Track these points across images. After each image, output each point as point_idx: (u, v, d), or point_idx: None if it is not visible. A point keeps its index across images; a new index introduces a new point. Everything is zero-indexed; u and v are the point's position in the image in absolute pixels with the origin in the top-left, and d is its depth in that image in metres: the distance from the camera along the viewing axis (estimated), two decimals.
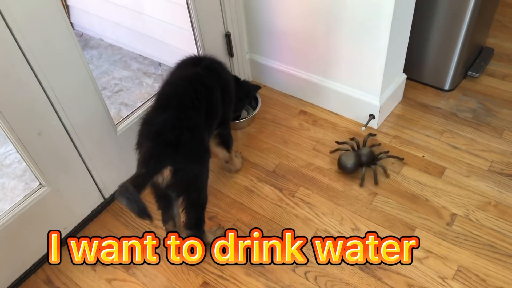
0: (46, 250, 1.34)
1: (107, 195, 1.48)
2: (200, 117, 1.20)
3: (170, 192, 1.18)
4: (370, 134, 1.60)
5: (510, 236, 1.29)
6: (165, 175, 1.09)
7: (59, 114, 1.21)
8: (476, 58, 1.86)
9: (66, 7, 2.26)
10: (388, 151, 1.53)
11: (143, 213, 0.99)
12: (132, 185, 1.01)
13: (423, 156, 1.54)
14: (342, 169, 1.49)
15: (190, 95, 1.20)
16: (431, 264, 1.25)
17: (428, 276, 1.22)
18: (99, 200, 1.46)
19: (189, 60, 1.36)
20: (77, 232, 1.41)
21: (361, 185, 1.46)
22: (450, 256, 1.26)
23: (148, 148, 1.11)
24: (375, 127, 1.65)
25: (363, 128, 1.65)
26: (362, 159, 1.48)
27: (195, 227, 1.27)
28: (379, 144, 1.57)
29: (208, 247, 1.33)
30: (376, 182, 1.45)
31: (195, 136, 1.15)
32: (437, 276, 1.22)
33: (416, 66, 1.77)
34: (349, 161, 1.47)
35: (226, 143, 1.46)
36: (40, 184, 1.27)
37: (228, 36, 1.70)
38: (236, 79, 1.54)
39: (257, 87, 1.71)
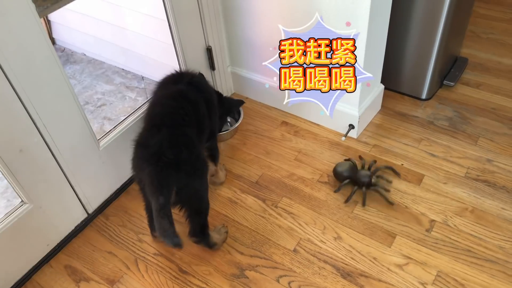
0: (29, 267, 1.34)
1: (90, 211, 1.48)
2: (193, 132, 1.22)
3: (172, 207, 1.19)
4: (388, 167, 1.55)
5: (487, 240, 1.33)
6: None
7: (40, 131, 1.21)
8: (451, 68, 1.92)
9: (48, 22, 2.26)
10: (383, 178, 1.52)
11: (177, 245, 1.11)
12: (167, 220, 1.08)
13: (402, 164, 1.58)
14: (336, 175, 1.52)
15: (180, 112, 1.22)
16: (411, 270, 1.28)
17: (409, 282, 1.25)
18: (82, 216, 1.46)
19: (170, 77, 1.38)
20: (60, 249, 1.41)
21: (347, 201, 1.47)
22: (429, 261, 1.29)
23: (153, 175, 1.11)
24: (355, 136, 1.69)
25: (343, 138, 1.68)
26: (360, 179, 1.47)
27: (200, 233, 1.29)
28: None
29: (215, 248, 1.35)
30: (364, 204, 1.45)
31: (192, 151, 1.18)
32: (417, 282, 1.25)
33: (394, 76, 1.81)
34: (343, 167, 1.50)
35: (214, 156, 1.49)
36: (22, 201, 1.26)
37: (209, 50, 1.73)
38: (219, 95, 1.56)
39: (240, 102, 1.72)
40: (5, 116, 1.12)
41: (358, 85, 1.53)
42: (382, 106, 1.81)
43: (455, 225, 1.38)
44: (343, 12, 1.40)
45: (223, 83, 1.89)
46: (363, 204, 1.45)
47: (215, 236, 1.34)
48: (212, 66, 1.78)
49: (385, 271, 1.28)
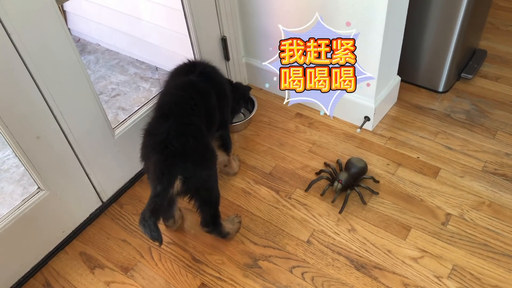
0: (44, 253, 1.35)
1: (105, 199, 1.49)
2: (202, 122, 1.22)
3: (180, 196, 1.19)
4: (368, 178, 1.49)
5: (504, 235, 1.31)
6: (176, 185, 1.10)
7: (57, 118, 1.22)
8: (469, 60, 1.88)
9: (64, 13, 2.27)
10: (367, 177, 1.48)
11: (154, 238, 1.05)
12: (150, 209, 1.04)
13: (418, 157, 1.56)
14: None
15: (189, 102, 1.21)
16: (426, 263, 1.26)
17: (424, 275, 1.24)
18: (97, 204, 1.47)
19: (182, 67, 1.38)
20: (75, 236, 1.42)
21: (341, 212, 1.41)
22: (445, 255, 1.28)
23: (157, 163, 1.11)
24: (370, 129, 1.67)
25: (358, 130, 1.66)
26: (347, 183, 1.42)
27: (212, 223, 1.29)
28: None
29: (228, 238, 1.35)
30: (364, 202, 1.42)
31: (200, 141, 1.17)
32: (432, 275, 1.24)
33: (410, 68, 1.79)
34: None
35: (226, 145, 1.48)
36: (39, 187, 1.28)
37: (224, 40, 1.72)
38: (229, 82, 1.56)
39: (248, 88, 1.71)
40: (23, 103, 1.13)
41: (375, 76, 1.53)
42: (399, 98, 1.78)
43: (471, 219, 1.36)
44: (359, 2, 1.38)
45: (237, 74, 1.88)
46: (363, 203, 1.42)
47: (228, 226, 1.34)
48: (226, 57, 1.78)
49: (399, 263, 1.27)
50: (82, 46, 2.34)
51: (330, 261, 1.29)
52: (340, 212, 1.40)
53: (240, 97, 1.61)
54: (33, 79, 1.13)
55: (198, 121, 1.19)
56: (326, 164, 1.56)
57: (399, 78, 1.72)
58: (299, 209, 1.44)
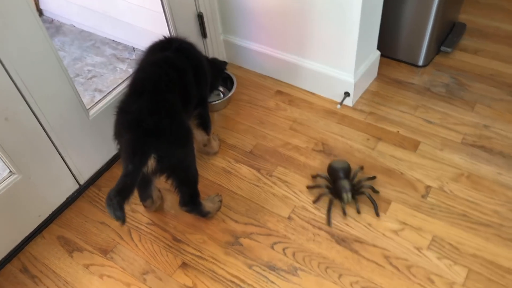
0: (21, 238, 1.32)
1: (82, 182, 1.46)
2: (176, 99, 1.19)
3: (156, 176, 1.16)
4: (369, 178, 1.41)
5: (482, 205, 1.32)
6: (150, 164, 1.07)
7: (26, 99, 1.18)
8: (449, 34, 1.88)
9: None
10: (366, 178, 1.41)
11: (117, 218, 1.00)
12: (117, 188, 1.00)
13: (398, 131, 1.56)
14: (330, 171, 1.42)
15: (163, 78, 1.18)
16: (406, 235, 1.27)
17: (404, 247, 1.25)
18: (74, 187, 1.44)
19: (158, 44, 1.34)
20: (53, 220, 1.39)
21: (329, 224, 1.32)
22: (425, 227, 1.29)
23: (129, 142, 1.08)
24: (351, 104, 1.66)
25: (338, 106, 1.65)
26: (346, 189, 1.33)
27: (191, 203, 1.27)
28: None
29: (208, 217, 1.34)
30: (358, 212, 1.33)
31: (174, 119, 1.14)
32: (412, 246, 1.24)
33: (390, 42, 1.77)
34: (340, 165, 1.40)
35: (205, 124, 1.45)
36: (10, 171, 1.24)
37: (200, 17, 1.68)
38: (205, 58, 1.53)
39: (224, 63, 1.64)
40: None
41: (354, 51, 1.51)
42: (378, 73, 1.77)
43: (451, 191, 1.37)
44: None
45: (216, 51, 1.85)
46: (358, 212, 1.33)
47: (208, 205, 1.33)
48: (203, 34, 1.74)
49: (380, 236, 1.27)
50: (55, 27, 2.26)
51: (311, 236, 1.29)
52: (344, 214, 1.32)
53: (217, 72, 1.57)
54: None
55: (172, 98, 1.16)
56: (317, 176, 1.44)
57: (378, 53, 1.71)
58: (280, 186, 1.43)
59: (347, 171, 1.39)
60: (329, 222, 1.31)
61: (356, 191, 1.36)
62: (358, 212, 1.33)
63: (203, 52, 1.48)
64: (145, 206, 1.38)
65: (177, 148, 1.14)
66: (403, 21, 1.70)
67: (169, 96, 1.16)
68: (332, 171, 1.40)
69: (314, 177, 1.44)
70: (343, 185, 1.34)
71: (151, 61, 1.27)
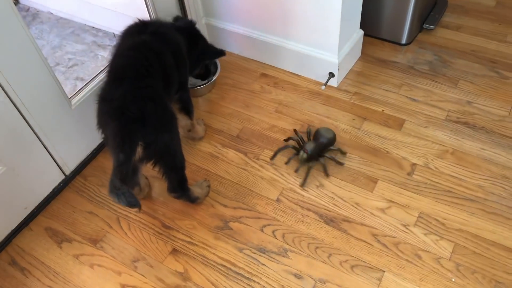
0: (8, 231, 1.31)
1: (67, 172, 1.44)
2: (158, 84, 1.17)
3: (143, 163, 1.15)
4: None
5: (467, 180, 1.34)
6: (137, 151, 1.06)
7: (5, 89, 1.15)
8: (431, 11, 1.88)
9: None
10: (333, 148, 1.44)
11: (132, 205, 1.03)
12: (119, 179, 1.01)
13: (383, 110, 1.56)
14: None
15: (143, 63, 1.16)
16: (393, 213, 1.29)
17: (391, 224, 1.27)
18: (59, 178, 1.42)
19: (133, 28, 1.31)
20: (39, 211, 1.38)
21: (303, 185, 1.37)
22: (411, 204, 1.30)
23: (116, 131, 1.06)
24: (335, 85, 1.66)
25: (323, 87, 1.65)
26: (313, 153, 1.38)
27: (179, 188, 1.27)
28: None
29: (197, 202, 1.34)
30: (327, 174, 1.38)
31: (158, 104, 1.12)
32: (399, 224, 1.26)
33: (373, 21, 1.77)
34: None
35: (187, 108, 1.44)
36: None
37: (181, 0, 1.65)
38: (199, 38, 1.49)
39: (220, 53, 1.56)
40: None
41: (337, 30, 1.50)
42: (362, 53, 1.77)
43: (436, 168, 1.39)
44: None
45: None
46: (326, 175, 1.39)
47: (196, 190, 1.33)
48: (185, 18, 1.71)
49: (367, 215, 1.29)
50: (32, 15, 2.20)
51: (300, 217, 1.30)
52: (302, 185, 1.37)
53: (197, 57, 1.53)
54: None
55: (154, 83, 1.14)
56: (295, 131, 1.51)
57: (362, 32, 1.70)
58: (268, 169, 1.43)
59: (328, 140, 1.42)
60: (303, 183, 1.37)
61: (316, 157, 1.39)
62: (326, 174, 1.39)
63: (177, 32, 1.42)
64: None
65: (163, 134, 1.13)
66: None
67: (151, 81, 1.14)
68: (315, 133, 1.45)
69: (286, 140, 1.49)
70: (307, 146, 1.38)
71: (128, 45, 1.24)
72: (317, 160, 1.40)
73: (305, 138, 1.48)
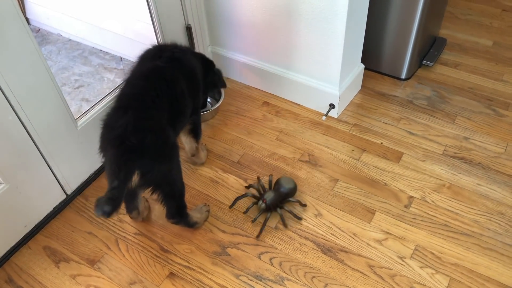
0: (6, 249, 1.31)
1: (69, 191, 1.46)
2: (162, 115, 1.19)
3: (141, 190, 1.16)
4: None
5: (463, 215, 1.36)
6: (134, 179, 1.08)
7: (15, 109, 1.18)
8: (430, 48, 1.94)
9: (21, 1, 2.19)
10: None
11: (106, 213, 1.01)
12: (108, 197, 1.01)
13: (382, 143, 1.60)
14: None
15: (150, 93, 1.18)
16: (390, 245, 1.30)
17: (388, 256, 1.28)
18: (61, 197, 1.44)
19: (150, 52, 1.34)
20: (39, 230, 1.39)
21: (258, 236, 1.33)
22: (408, 236, 1.32)
23: (114, 158, 1.08)
24: (336, 116, 1.70)
25: (324, 117, 1.69)
26: (271, 203, 1.35)
27: (177, 215, 1.28)
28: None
29: (196, 227, 1.35)
30: (285, 226, 1.36)
31: (159, 136, 1.14)
32: (396, 256, 1.28)
33: (374, 56, 1.82)
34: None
35: (196, 131, 1.46)
36: None
37: (189, 29, 1.70)
38: (209, 63, 1.49)
39: (223, 84, 1.62)
40: None
41: (339, 64, 1.55)
42: (363, 86, 1.82)
43: (432, 201, 1.41)
44: None
45: None
46: (285, 226, 1.36)
47: (195, 216, 1.34)
48: (192, 46, 1.76)
49: (364, 246, 1.30)
50: (42, 36, 2.26)
51: (297, 246, 1.31)
52: (257, 237, 1.33)
53: (213, 84, 1.55)
54: None
55: (157, 115, 1.16)
56: (258, 179, 1.46)
57: (362, 66, 1.76)
58: None
59: (288, 190, 1.38)
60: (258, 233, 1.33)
61: (278, 206, 1.36)
62: (285, 225, 1.35)
63: (195, 56, 1.44)
64: (131, 217, 1.38)
65: (161, 164, 1.14)
66: (386, 35, 1.75)
67: (153, 113, 1.16)
68: (276, 182, 1.41)
69: (247, 187, 1.47)
70: (266, 195, 1.36)
71: (139, 73, 1.27)
72: (275, 211, 1.37)
73: (267, 186, 1.45)
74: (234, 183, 1.50)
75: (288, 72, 1.72)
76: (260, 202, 1.35)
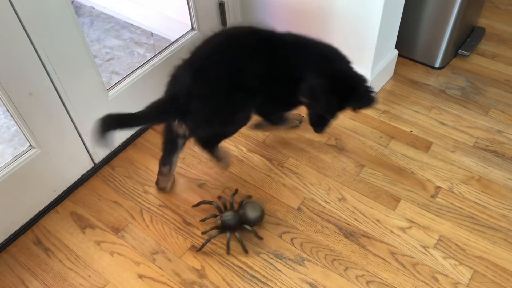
0: (35, 212, 1.35)
1: (97, 161, 1.48)
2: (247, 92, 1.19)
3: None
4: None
5: (491, 209, 1.33)
6: (182, 128, 1.20)
7: (50, 75, 1.20)
8: (468, 37, 1.88)
9: None
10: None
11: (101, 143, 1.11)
12: (118, 117, 1.14)
13: (411, 131, 1.57)
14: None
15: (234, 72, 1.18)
16: (413, 233, 1.29)
17: (411, 244, 1.26)
18: (89, 165, 1.47)
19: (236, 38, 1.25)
20: (67, 196, 1.42)
21: (228, 252, 1.26)
22: (432, 226, 1.30)
23: (160, 101, 1.16)
24: None
25: None
26: (227, 223, 1.26)
27: (207, 145, 1.35)
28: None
29: (216, 161, 1.40)
30: (245, 251, 1.26)
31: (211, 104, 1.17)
32: (419, 245, 1.26)
33: (408, 43, 1.78)
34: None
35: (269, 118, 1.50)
36: (30, 145, 1.27)
37: (222, 5, 1.69)
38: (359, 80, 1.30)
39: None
40: (15, 58, 1.11)
41: (373, 48, 1.52)
42: (395, 72, 1.78)
43: (460, 193, 1.38)
44: None
45: None
46: (244, 251, 1.26)
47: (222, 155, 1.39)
48: (224, 23, 1.75)
49: (387, 233, 1.29)
50: (76, 8, 2.28)
51: (319, 228, 1.31)
52: (198, 250, 1.26)
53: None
54: (26, 33, 1.10)
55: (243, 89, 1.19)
56: (236, 190, 1.39)
57: (396, 52, 1.72)
58: (291, 177, 1.45)
59: (255, 218, 1.28)
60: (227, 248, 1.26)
61: (232, 228, 1.27)
62: (245, 251, 1.26)
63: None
64: (160, 170, 1.38)
65: (204, 129, 1.23)
66: (422, 22, 1.70)
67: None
68: (243, 205, 1.32)
69: (219, 197, 1.39)
70: (225, 214, 1.27)
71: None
72: (232, 232, 1.27)
73: (232, 204, 1.34)
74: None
75: None
76: (218, 217, 1.28)
